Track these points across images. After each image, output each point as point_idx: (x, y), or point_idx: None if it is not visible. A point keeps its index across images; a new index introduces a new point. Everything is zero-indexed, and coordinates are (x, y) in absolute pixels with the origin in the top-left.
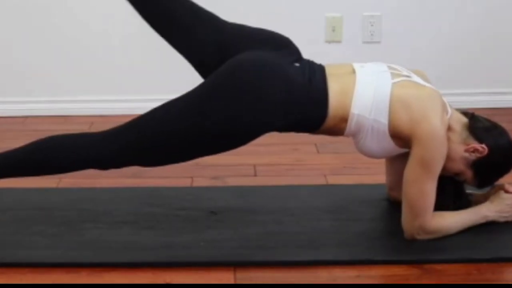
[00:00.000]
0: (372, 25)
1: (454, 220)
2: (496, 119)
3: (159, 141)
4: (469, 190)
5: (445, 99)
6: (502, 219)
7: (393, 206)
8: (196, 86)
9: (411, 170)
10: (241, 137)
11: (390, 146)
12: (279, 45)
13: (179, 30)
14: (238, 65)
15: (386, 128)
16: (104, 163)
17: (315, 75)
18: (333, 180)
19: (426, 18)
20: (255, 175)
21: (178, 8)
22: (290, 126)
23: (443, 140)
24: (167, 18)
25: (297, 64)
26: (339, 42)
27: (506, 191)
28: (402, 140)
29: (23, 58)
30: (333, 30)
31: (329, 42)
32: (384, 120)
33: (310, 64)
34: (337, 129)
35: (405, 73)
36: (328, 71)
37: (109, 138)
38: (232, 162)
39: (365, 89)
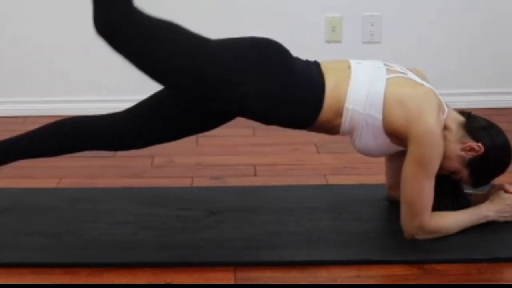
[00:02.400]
0: (372, 25)
1: (454, 220)
2: (495, 119)
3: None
4: (469, 190)
5: (441, 98)
6: (502, 219)
7: (393, 206)
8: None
9: (408, 169)
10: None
11: (386, 143)
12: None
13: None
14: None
15: (380, 124)
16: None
17: (312, 69)
18: (333, 180)
19: (426, 18)
20: (255, 175)
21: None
22: (286, 114)
23: (439, 139)
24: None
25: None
26: (339, 42)
27: (506, 191)
28: (398, 138)
29: (23, 58)
30: (333, 30)
31: (329, 42)
32: (378, 115)
33: (305, 61)
34: (332, 125)
35: (401, 70)
36: (324, 66)
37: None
38: (232, 162)
39: (359, 84)
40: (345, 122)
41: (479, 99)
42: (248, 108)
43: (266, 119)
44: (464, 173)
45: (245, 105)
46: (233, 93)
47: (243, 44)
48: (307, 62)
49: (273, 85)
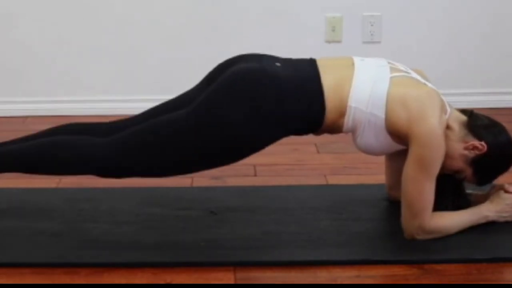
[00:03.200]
0: (372, 25)
1: (454, 220)
2: (496, 119)
3: (158, 152)
4: (469, 190)
5: (444, 98)
6: (502, 219)
7: (393, 206)
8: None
9: (409, 169)
10: (243, 150)
11: (388, 142)
12: (252, 57)
13: None
14: (225, 81)
15: (383, 123)
16: (106, 170)
17: (303, 68)
18: (333, 180)
19: (426, 18)
20: (255, 175)
21: None
22: (293, 128)
23: (441, 140)
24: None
25: (278, 64)
26: (339, 42)
27: (506, 191)
28: (400, 138)
29: (23, 58)
30: (333, 30)
31: (329, 42)
32: (381, 114)
33: (294, 60)
34: (337, 125)
35: (404, 69)
36: (321, 63)
37: (115, 145)
38: None
39: (363, 82)
40: (348, 121)
41: (479, 99)
42: (259, 146)
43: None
44: (468, 172)
45: (255, 146)
46: (239, 149)
47: (221, 99)
48: (297, 62)
49: (266, 121)
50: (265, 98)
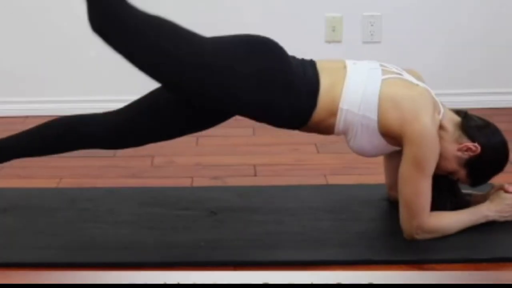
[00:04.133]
0: (372, 25)
1: (453, 219)
2: (496, 119)
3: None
4: (469, 190)
5: (437, 98)
6: (502, 219)
7: (393, 206)
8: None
9: (404, 169)
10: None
11: (381, 144)
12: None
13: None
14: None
15: (375, 125)
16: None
17: (307, 68)
18: (333, 180)
19: (426, 18)
20: (255, 175)
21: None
22: (278, 110)
23: (435, 139)
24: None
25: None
26: (339, 42)
27: (506, 191)
28: (393, 139)
29: (23, 59)
30: (333, 30)
31: (329, 42)
32: (373, 116)
33: (300, 60)
34: (326, 125)
35: (396, 70)
36: (319, 65)
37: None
38: (232, 162)
39: (354, 84)
40: (339, 123)
41: (479, 99)
42: (241, 109)
43: (259, 118)
44: (462, 173)
45: (239, 106)
46: (226, 95)
47: (238, 44)
48: (302, 61)
49: (266, 86)
50: (274, 68)
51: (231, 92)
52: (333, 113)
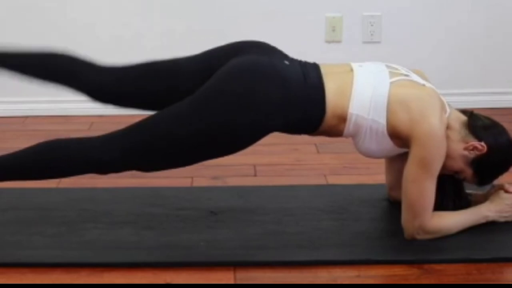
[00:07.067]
0: (372, 25)
1: (454, 220)
2: (496, 119)
3: (161, 145)
4: (469, 190)
5: (444, 98)
6: (502, 219)
7: (393, 206)
8: (192, 96)
9: (410, 169)
10: (242, 140)
11: (389, 146)
12: (265, 49)
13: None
14: (231, 70)
15: (384, 129)
16: (105, 167)
17: (309, 73)
18: (333, 180)
19: (426, 18)
20: (255, 175)
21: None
22: (290, 127)
23: (442, 140)
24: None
25: (286, 62)
26: (339, 42)
27: (506, 191)
28: (401, 140)
29: None
30: (333, 30)
31: (329, 42)
32: (382, 120)
33: (302, 63)
34: (336, 130)
35: (403, 72)
36: (323, 70)
37: (112, 141)
38: (232, 162)
39: (363, 88)
40: (349, 127)
41: (479, 99)
42: (254, 134)
43: (271, 131)
44: (468, 172)
45: (250, 133)
46: (233, 134)
47: (229, 79)
48: (304, 64)
49: (271, 109)
50: (269, 95)
51: (239, 131)
52: (343, 118)
